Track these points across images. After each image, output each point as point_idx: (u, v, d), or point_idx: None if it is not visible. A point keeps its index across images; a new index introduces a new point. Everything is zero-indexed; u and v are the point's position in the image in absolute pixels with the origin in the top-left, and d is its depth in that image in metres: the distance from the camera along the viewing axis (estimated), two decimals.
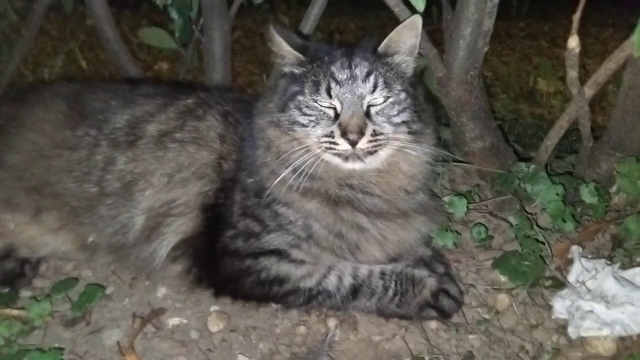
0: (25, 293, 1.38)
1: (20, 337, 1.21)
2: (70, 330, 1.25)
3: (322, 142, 1.18)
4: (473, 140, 1.59)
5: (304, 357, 1.18)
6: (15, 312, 1.25)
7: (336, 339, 1.23)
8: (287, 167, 1.21)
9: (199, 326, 1.27)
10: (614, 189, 1.49)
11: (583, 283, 1.27)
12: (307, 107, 1.20)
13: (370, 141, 1.16)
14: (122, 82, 1.64)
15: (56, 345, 1.21)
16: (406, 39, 1.23)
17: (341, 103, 1.18)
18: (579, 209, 1.47)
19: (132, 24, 3.73)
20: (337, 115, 1.18)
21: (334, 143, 1.16)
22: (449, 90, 1.53)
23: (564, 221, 1.37)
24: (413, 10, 1.31)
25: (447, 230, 1.43)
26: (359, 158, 1.17)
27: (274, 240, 1.26)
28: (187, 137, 1.37)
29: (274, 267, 1.26)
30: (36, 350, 1.10)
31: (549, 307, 1.29)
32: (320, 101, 1.19)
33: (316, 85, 1.19)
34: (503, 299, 1.31)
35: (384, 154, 1.20)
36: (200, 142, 1.37)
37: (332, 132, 1.17)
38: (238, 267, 1.28)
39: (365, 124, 1.16)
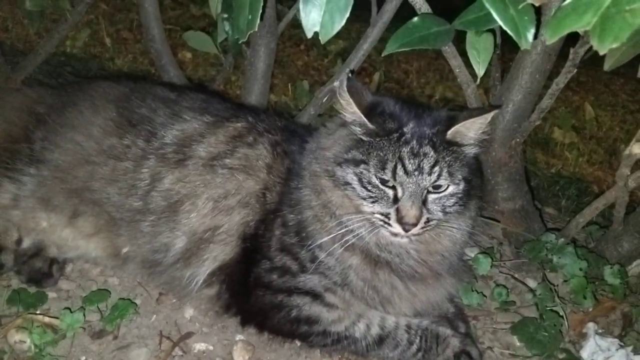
0: (51, 294, 1.39)
1: (48, 346, 1.22)
2: (97, 342, 1.26)
3: (376, 217, 1.18)
4: (504, 200, 1.63)
5: None
6: (47, 319, 1.25)
7: None
8: (335, 220, 1.22)
9: (224, 355, 1.29)
10: (631, 267, 1.54)
11: None
12: (369, 182, 1.18)
13: (423, 227, 1.18)
14: (167, 88, 1.62)
15: (83, 358, 1.22)
16: (478, 131, 1.21)
17: (403, 191, 1.17)
18: (596, 284, 1.52)
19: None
20: (395, 199, 1.17)
21: (388, 224, 1.17)
22: (490, 151, 1.56)
23: (585, 297, 1.42)
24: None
25: (472, 290, 1.47)
26: (408, 237, 1.19)
27: (310, 281, 1.28)
28: (237, 164, 1.37)
29: (306, 307, 1.28)
30: None
31: None
32: (384, 182, 1.17)
33: (382, 164, 1.16)
34: None
35: (429, 233, 1.23)
36: (250, 171, 1.37)
37: (388, 214, 1.17)
38: (269, 301, 1.30)
39: (421, 214, 1.16)
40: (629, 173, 1.26)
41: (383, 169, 1.17)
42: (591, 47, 0.83)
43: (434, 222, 1.19)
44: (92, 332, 1.29)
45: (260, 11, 1.09)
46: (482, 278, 1.60)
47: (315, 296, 1.29)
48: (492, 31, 1.29)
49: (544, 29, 1.10)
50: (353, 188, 1.19)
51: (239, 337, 1.33)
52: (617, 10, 0.77)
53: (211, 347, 1.30)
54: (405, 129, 1.18)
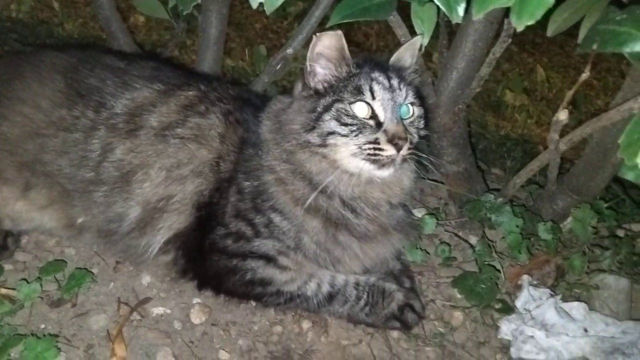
0: (7, 266, 1.40)
1: (6, 316, 1.25)
2: (56, 311, 1.30)
3: (365, 150, 1.24)
4: (449, 163, 1.71)
5: (279, 356, 1.30)
6: (4, 291, 1.28)
7: (309, 339, 1.36)
8: (314, 188, 1.28)
9: (181, 317, 1.35)
10: (565, 224, 1.66)
11: (528, 311, 1.45)
12: (347, 115, 1.25)
13: (409, 148, 1.26)
14: (117, 57, 1.60)
15: (42, 325, 1.26)
16: (410, 56, 1.37)
17: (384, 110, 1.26)
18: (532, 239, 1.64)
19: None
20: (378, 124, 1.26)
21: (380, 149, 1.24)
22: (435, 116, 1.63)
23: (520, 252, 1.54)
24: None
25: (416, 248, 1.57)
26: (394, 165, 1.26)
27: (264, 245, 1.34)
28: (189, 134, 1.39)
29: (260, 269, 1.35)
30: (31, 336, 1.15)
31: (497, 328, 1.45)
32: (362, 106, 1.26)
33: (358, 89, 1.26)
34: (458, 316, 1.47)
35: (407, 164, 1.32)
36: (202, 140, 1.39)
37: (376, 139, 1.24)
38: (224, 265, 1.36)
39: (406, 130, 1.26)
40: (557, 137, 1.35)
41: (360, 92, 1.26)
42: None
43: (413, 147, 1.29)
44: (51, 301, 1.32)
45: None
46: (428, 236, 1.70)
47: (269, 259, 1.35)
48: None
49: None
50: (335, 132, 1.25)
51: (196, 300, 1.39)
52: None
53: (169, 311, 1.36)
54: (370, 63, 1.32)
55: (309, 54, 1.28)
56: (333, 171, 1.27)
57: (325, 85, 1.30)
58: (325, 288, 1.38)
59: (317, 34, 1.25)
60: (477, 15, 0.90)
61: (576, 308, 1.46)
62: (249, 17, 3.70)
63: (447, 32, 1.71)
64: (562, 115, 1.26)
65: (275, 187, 1.33)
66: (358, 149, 1.25)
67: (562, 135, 1.41)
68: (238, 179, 1.37)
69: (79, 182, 1.38)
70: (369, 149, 1.24)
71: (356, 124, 1.25)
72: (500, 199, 1.61)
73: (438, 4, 1.01)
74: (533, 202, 1.75)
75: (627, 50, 0.97)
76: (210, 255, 1.36)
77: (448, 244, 1.63)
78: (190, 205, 1.37)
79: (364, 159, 1.25)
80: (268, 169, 1.34)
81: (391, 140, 1.24)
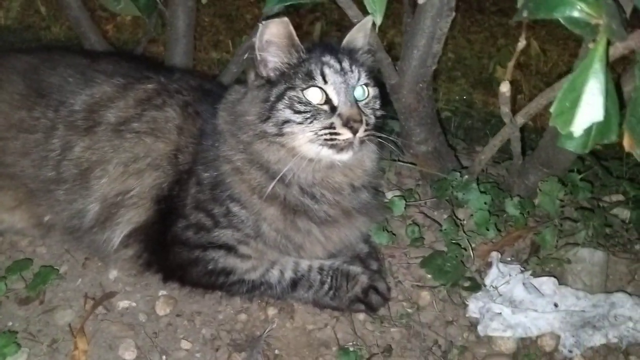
0: None
1: None
2: (24, 308, 1.34)
3: (321, 135, 1.23)
4: (418, 143, 1.69)
5: (242, 344, 1.31)
6: None
7: (274, 325, 1.37)
8: (271, 177, 1.28)
9: (147, 309, 1.37)
10: (537, 199, 1.63)
11: (496, 288, 1.43)
12: (300, 103, 1.24)
13: (366, 130, 1.26)
14: (84, 54, 1.62)
15: (10, 323, 1.30)
16: (362, 37, 1.35)
17: (337, 94, 1.25)
18: (504, 216, 1.62)
19: None
20: (333, 108, 1.25)
21: (336, 133, 1.23)
22: (400, 97, 1.61)
23: (487, 229, 1.52)
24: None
25: (383, 230, 1.56)
26: (352, 148, 1.25)
27: (223, 235, 1.35)
28: (145, 128, 1.41)
29: (221, 259, 1.36)
30: None
31: (465, 306, 1.44)
32: (315, 92, 1.25)
33: (309, 75, 1.25)
34: (425, 296, 1.46)
35: (366, 145, 1.32)
36: (158, 133, 1.40)
37: (332, 123, 1.24)
38: (187, 257, 1.37)
39: (361, 113, 1.25)
40: (508, 111, 1.32)
41: (312, 77, 1.25)
42: None
43: (370, 128, 1.28)
44: (19, 299, 1.36)
45: None
46: (401, 218, 1.69)
47: (229, 249, 1.36)
48: None
49: None
50: (290, 120, 1.24)
51: (161, 292, 1.41)
52: None
53: (134, 304, 1.38)
54: (320, 47, 1.31)
55: (257, 43, 1.27)
56: (292, 159, 1.26)
57: (277, 73, 1.29)
58: (289, 275, 1.39)
59: (263, 22, 1.24)
60: None
61: (546, 283, 1.44)
62: (240, 9, 3.68)
63: (411, 10, 1.69)
64: (504, 88, 1.24)
65: (232, 176, 1.33)
66: (314, 135, 1.24)
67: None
68: (197, 170, 1.38)
69: (42, 181, 1.41)
70: (325, 134, 1.24)
71: (310, 111, 1.25)
72: (467, 176, 1.58)
73: None
74: (504, 179, 1.72)
75: (558, 15, 0.94)
76: (173, 247, 1.38)
77: (417, 225, 1.62)
78: (149, 199, 1.38)
79: (321, 145, 1.25)
80: (225, 159, 1.34)
81: (346, 124, 1.23)
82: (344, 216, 1.40)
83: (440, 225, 1.64)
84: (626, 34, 0.99)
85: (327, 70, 1.26)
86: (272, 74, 1.29)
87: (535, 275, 1.48)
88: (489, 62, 3.29)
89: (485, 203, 1.54)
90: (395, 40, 3.44)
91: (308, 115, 1.24)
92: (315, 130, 1.24)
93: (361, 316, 1.41)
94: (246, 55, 1.91)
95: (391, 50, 1.82)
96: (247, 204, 1.33)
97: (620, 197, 1.72)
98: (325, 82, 1.26)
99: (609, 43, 0.95)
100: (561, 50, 3.74)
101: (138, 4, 1.93)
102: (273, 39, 1.26)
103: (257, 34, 1.24)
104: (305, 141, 1.25)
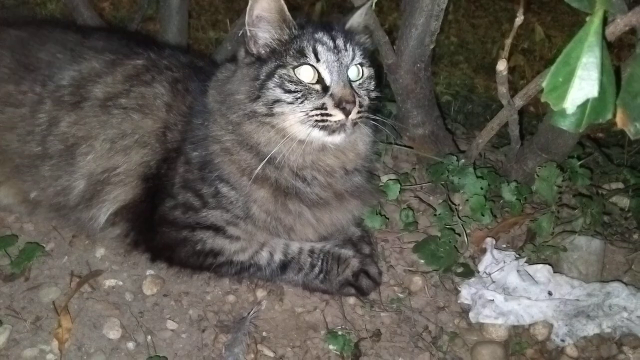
0: None
1: None
2: (9, 285, 1.32)
3: (312, 116, 1.19)
4: (415, 126, 1.65)
5: (230, 325, 1.29)
6: None
7: (263, 307, 1.35)
8: (261, 159, 1.24)
9: (134, 289, 1.35)
10: (535, 185, 1.60)
11: (489, 274, 1.41)
12: (291, 82, 1.20)
13: (359, 111, 1.21)
14: (74, 30, 1.58)
15: None
16: (363, 20, 1.32)
17: (330, 73, 1.21)
18: (501, 202, 1.59)
19: None
20: (325, 88, 1.21)
21: (327, 115, 1.19)
22: (397, 78, 1.57)
23: (482, 215, 1.48)
24: None
25: (377, 214, 1.53)
26: (345, 130, 1.21)
27: (212, 216, 1.32)
28: (132, 104, 1.37)
29: (210, 240, 1.33)
30: None
31: (457, 292, 1.42)
32: (307, 70, 1.20)
33: (300, 52, 1.21)
34: (417, 281, 1.44)
35: (359, 127, 1.28)
36: (146, 110, 1.37)
37: (323, 104, 1.19)
38: (175, 237, 1.35)
39: (354, 94, 1.21)
40: (506, 91, 1.28)
41: (303, 55, 1.21)
42: None
43: (363, 110, 1.23)
44: (4, 275, 1.34)
45: None
46: (396, 202, 1.66)
47: (217, 229, 1.33)
48: None
49: None
50: (280, 100, 1.20)
51: (149, 272, 1.39)
52: None
53: (121, 283, 1.36)
54: (313, 25, 1.27)
55: (247, 18, 1.22)
56: (282, 140, 1.23)
57: (267, 50, 1.24)
58: (278, 257, 1.36)
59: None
60: None
61: (540, 270, 1.41)
62: None
63: None
64: (501, 66, 1.20)
65: (222, 157, 1.30)
66: (305, 115, 1.20)
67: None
68: (186, 149, 1.35)
69: (27, 157, 1.38)
70: (317, 115, 1.19)
71: (301, 90, 1.20)
72: (463, 160, 1.55)
73: None
74: (502, 164, 1.69)
75: None
76: (160, 227, 1.36)
77: (412, 209, 1.59)
78: (136, 176, 1.35)
79: (312, 126, 1.21)
80: (214, 139, 1.31)
81: (338, 105, 1.19)
82: (336, 199, 1.37)
83: (434, 209, 1.61)
84: (626, 7, 0.95)
85: (319, 48, 1.22)
86: (262, 51, 1.25)
87: (530, 262, 1.45)
88: (492, 46, 3.22)
89: (481, 188, 1.50)
90: (397, 23, 3.38)
91: (299, 95, 1.20)
92: (306, 111, 1.20)
93: (351, 300, 1.39)
94: (240, 33, 1.87)
95: (392, 33, 1.78)
96: (237, 185, 1.30)
97: (620, 185, 1.68)
98: (318, 60, 1.21)
99: (606, 17, 0.91)
100: (566, 36, 3.67)
101: None
102: (263, 13, 1.21)
103: (247, 8, 1.20)
104: (296, 122, 1.21)
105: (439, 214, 1.49)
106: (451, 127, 2.03)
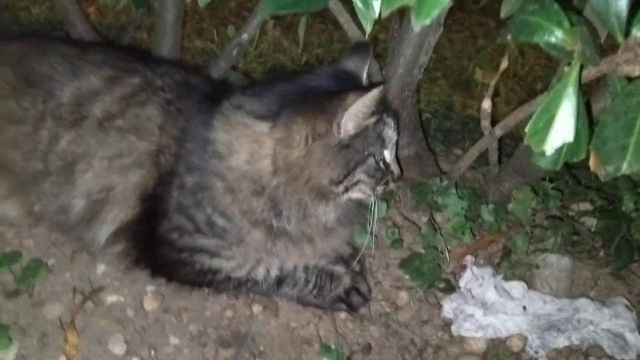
0: None
1: None
2: (12, 301, 1.35)
3: (377, 191, 1.34)
4: (400, 148, 1.75)
5: (229, 340, 1.36)
6: None
7: (259, 322, 1.42)
8: (276, 214, 1.31)
9: (135, 305, 1.40)
10: (510, 206, 1.72)
11: (469, 290, 1.52)
12: (377, 169, 1.30)
13: None
14: (73, 44, 1.60)
15: None
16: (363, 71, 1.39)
17: (391, 153, 1.33)
18: (479, 221, 1.70)
19: None
20: (387, 166, 1.33)
21: (386, 187, 1.37)
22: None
23: (463, 233, 1.60)
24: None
25: (365, 231, 1.61)
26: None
27: (205, 241, 1.36)
28: (128, 125, 1.39)
29: (207, 261, 1.39)
30: None
31: (440, 307, 1.53)
32: (386, 153, 1.31)
33: (381, 139, 1.29)
34: (403, 296, 1.54)
35: None
36: (140, 131, 1.38)
37: (387, 180, 1.35)
38: (174, 258, 1.40)
39: None
40: (488, 124, 1.40)
41: (384, 141, 1.30)
42: None
43: None
44: (7, 292, 1.37)
45: None
46: (381, 219, 1.75)
47: (212, 254, 1.38)
48: None
49: None
50: (360, 181, 1.29)
51: (149, 287, 1.44)
52: None
53: (122, 299, 1.41)
54: (379, 104, 1.26)
55: (347, 111, 1.19)
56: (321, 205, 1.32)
57: (352, 134, 1.24)
58: (274, 273, 1.43)
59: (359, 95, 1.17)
60: (386, 13, 0.93)
61: (516, 287, 1.53)
62: None
63: (398, 17, 1.74)
64: (486, 104, 1.31)
65: (224, 195, 1.30)
66: (371, 190, 1.32)
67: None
68: (180, 173, 1.35)
69: (31, 174, 1.41)
70: (380, 190, 1.35)
71: (381, 172, 1.31)
72: (446, 181, 1.66)
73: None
74: (480, 185, 1.81)
75: (537, 39, 1.00)
76: (160, 247, 1.40)
77: (397, 227, 1.69)
78: (134, 197, 1.37)
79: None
80: (216, 175, 1.30)
81: (394, 180, 1.36)
82: (328, 232, 1.42)
83: (418, 226, 1.71)
84: (599, 60, 1.06)
85: (390, 133, 1.31)
86: (346, 137, 1.24)
87: (506, 278, 1.57)
88: (468, 63, 3.32)
89: (462, 208, 1.62)
90: (379, 37, 3.48)
91: (379, 176, 1.31)
92: (375, 187, 1.32)
93: (342, 315, 1.48)
94: (235, 52, 1.93)
95: (375, 47, 1.86)
96: (234, 222, 1.33)
97: (588, 205, 1.82)
98: (388, 145, 1.32)
99: (582, 67, 1.02)
100: (538, 53, 3.80)
101: None
102: (367, 109, 1.22)
103: (355, 101, 1.18)
104: (359, 195, 1.34)
105: (424, 233, 1.60)
106: (431, 144, 2.15)
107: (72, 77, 1.45)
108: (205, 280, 1.42)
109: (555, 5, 0.96)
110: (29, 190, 1.43)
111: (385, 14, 0.93)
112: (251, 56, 2.77)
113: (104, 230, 1.39)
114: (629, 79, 1.01)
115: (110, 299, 1.40)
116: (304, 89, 1.30)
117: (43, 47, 1.53)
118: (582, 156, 1.08)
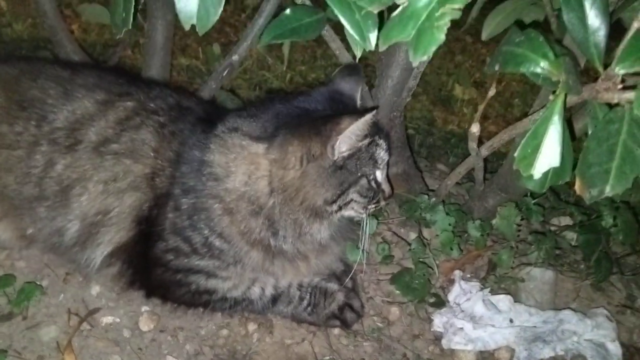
0: None
1: None
2: (7, 324, 1.35)
3: (369, 209, 1.37)
4: (389, 165, 1.80)
5: (226, 359, 1.38)
6: None
7: (255, 340, 1.44)
8: (273, 233, 1.33)
9: (131, 325, 1.41)
10: (495, 222, 1.78)
11: (458, 304, 1.57)
12: (368, 188, 1.32)
13: None
14: (63, 66, 1.61)
15: None
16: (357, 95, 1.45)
17: (382, 173, 1.36)
18: (466, 236, 1.76)
19: None
20: (378, 185, 1.35)
21: (377, 205, 1.39)
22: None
23: (451, 249, 1.65)
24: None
25: (357, 247, 1.66)
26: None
27: (202, 262, 1.38)
28: (123, 149, 1.40)
29: (203, 282, 1.40)
30: None
31: (430, 321, 1.57)
32: (378, 174, 1.34)
33: (373, 160, 1.31)
34: (395, 311, 1.58)
35: None
36: (136, 155, 1.40)
37: (379, 199, 1.38)
38: (170, 279, 1.41)
39: None
40: (475, 146, 1.46)
41: (376, 162, 1.32)
42: None
43: None
44: (1, 315, 1.37)
45: (133, 11, 1.14)
46: (371, 236, 1.79)
47: (209, 274, 1.40)
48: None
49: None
50: (352, 201, 1.32)
51: (144, 308, 1.45)
52: (429, 25, 0.91)
53: (118, 320, 1.42)
54: (373, 126, 1.30)
55: (342, 135, 1.22)
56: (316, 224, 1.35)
57: (346, 156, 1.27)
58: (269, 291, 1.46)
59: (354, 119, 1.20)
60: (383, 47, 0.98)
61: (502, 300, 1.59)
62: None
63: None
64: (474, 129, 1.37)
65: (222, 217, 1.32)
66: (363, 208, 1.36)
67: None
68: (175, 195, 1.36)
69: (25, 198, 1.41)
70: (372, 208, 1.38)
71: (373, 191, 1.34)
72: (434, 199, 1.71)
73: (352, 32, 1.07)
74: (466, 201, 1.87)
75: (524, 70, 1.06)
76: (155, 268, 1.41)
77: (387, 243, 1.73)
78: (129, 219, 1.38)
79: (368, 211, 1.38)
80: (214, 197, 1.32)
81: (385, 199, 1.39)
82: (322, 250, 1.45)
83: (407, 241, 1.76)
84: (581, 89, 1.13)
85: (382, 154, 1.34)
86: (339, 158, 1.27)
87: (492, 292, 1.62)
88: (448, 78, 3.42)
89: (449, 224, 1.67)
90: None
91: (371, 195, 1.34)
92: (367, 206, 1.36)
93: (336, 331, 1.51)
94: (225, 73, 1.96)
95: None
96: (233, 241, 1.34)
97: (568, 219, 1.90)
98: (380, 166, 1.35)
99: (566, 96, 1.09)
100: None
101: (114, 19, 1.92)
102: (357, 132, 1.24)
103: (348, 126, 1.21)
104: (350, 214, 1.37)
105: (413, 249, 1.64)
106: (415, 160, 2.21)
107: (64, 101, 1.45)
108: (201, 300, 1.43)
109: (541, 38, 1.03)
110: (22, 214, 1.43)
111: (382, 48, 0.99)
112: (236, 73, 2.79)
113: (99, 252, 1.39)
114: (609, 106, 1.07)
115: (106, 320, 1.41)
116: (299, 111, 1.34)
117: (34, 69, 1.54)
118: (567, 179, 1.15)
